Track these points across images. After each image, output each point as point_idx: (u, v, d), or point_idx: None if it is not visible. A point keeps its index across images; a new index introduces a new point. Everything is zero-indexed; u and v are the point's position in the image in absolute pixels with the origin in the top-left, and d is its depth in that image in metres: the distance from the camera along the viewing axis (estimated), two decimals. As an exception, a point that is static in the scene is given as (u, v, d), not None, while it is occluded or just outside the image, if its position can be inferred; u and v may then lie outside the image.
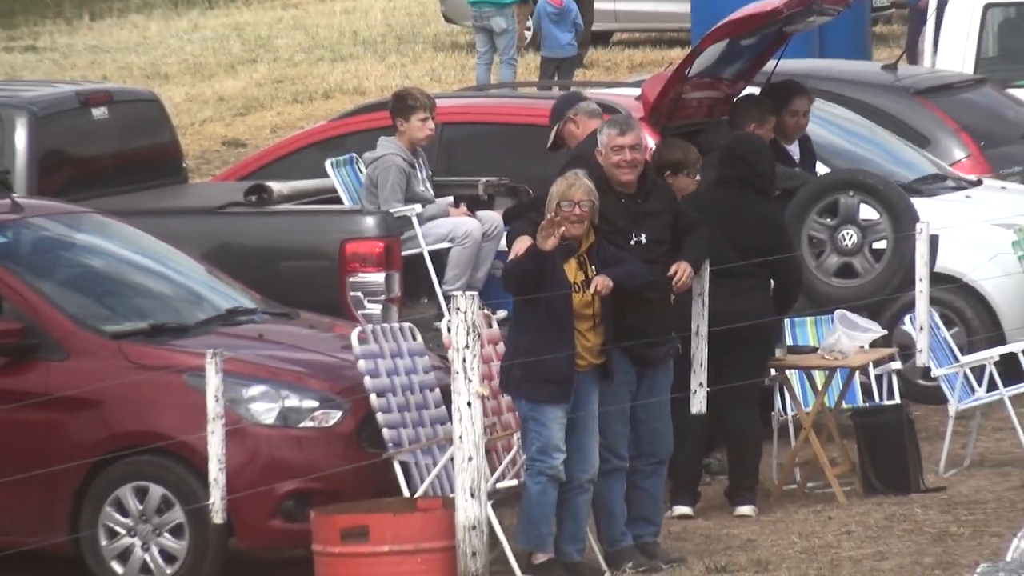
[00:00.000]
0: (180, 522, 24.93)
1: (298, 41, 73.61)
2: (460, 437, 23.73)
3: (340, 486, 25.29)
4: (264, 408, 25.42)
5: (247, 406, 25.40)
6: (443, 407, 25.60)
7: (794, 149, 35.53)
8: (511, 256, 26.23)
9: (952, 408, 32.05)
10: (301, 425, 25.61)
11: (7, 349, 25.60)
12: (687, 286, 27.54)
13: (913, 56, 55.51)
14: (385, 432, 25.10)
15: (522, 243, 25.89)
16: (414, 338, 26.65)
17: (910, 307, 32.87)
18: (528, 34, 51.84)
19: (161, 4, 71.31)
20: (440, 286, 29.01)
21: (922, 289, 31.38)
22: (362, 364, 25.36)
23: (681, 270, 26.89)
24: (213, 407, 23.62)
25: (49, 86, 41.23)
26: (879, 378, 33.06)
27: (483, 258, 29.45)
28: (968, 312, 36.68)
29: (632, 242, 26.48)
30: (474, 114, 38.23)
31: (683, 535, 28.03)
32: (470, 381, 23.47)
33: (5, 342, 25.68)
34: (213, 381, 23.60)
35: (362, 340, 25.90)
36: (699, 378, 27.80)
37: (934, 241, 32.08)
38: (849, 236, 33.46)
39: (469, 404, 23.48)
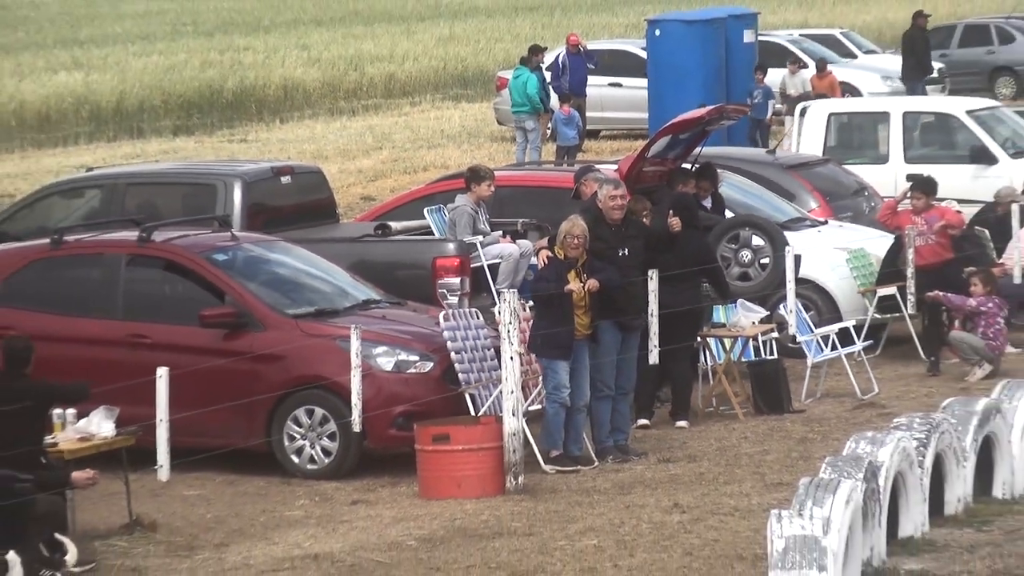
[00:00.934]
0: (333, 431, 31.80)
1: (407, 136, 76.12)
2: (506, 378, 30.10)
3: (432, 409, 31.85)
4: (385, 360, 31.70)
5: (375, 359, 31.67)
6: (496, 360, 31.56)
7: (707, 202, 40.86)
8: (539, 266, 33.51)
9: (809, 361, 38.70)
10: (408, 371, 32.37)
11: (227, 324, 32.41)
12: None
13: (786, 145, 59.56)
14: (460, 375, 32.30)
15: (542, 255, 33.44)
16: (477, 318, 33.00)
17: (784, 298, 39.88)
18: (548, 131, 56.49)
19: (323, 113, 76.59)
20: (493, 286, 34.04)
21: (791, 287, 39.69)
22: (446, 334, 32.48)
23: (652, 274, 33.23)
24: (354, 360, 30.03)
25: (254, 163, 48.02)
26: (765, 343, 38.70)
27: (520, 269, 34.22)
28: (819, 302, 41.88)
29: (619, 255, 32.63)
30: (515, 181, 42.59)
31: (643, 439, 33.66)
32: (512, 344, 29.77)
33: (226, 320, 32.44)
34: (354, 344, 30.08)
35: (445, 319, 33.03)
36: (653, 341, 34.17)
37: (798, 259, 39.72)
38: (746, 255, 40.02)
39: (512, 358, 30.17)
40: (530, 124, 57.46)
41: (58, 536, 24.51)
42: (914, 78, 68.10)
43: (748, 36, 63.33)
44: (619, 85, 58.88)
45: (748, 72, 61.91)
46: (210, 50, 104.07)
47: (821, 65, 61.61)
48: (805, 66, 67.48)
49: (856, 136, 45.26)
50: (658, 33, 60.24)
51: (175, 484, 28.29)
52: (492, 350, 31.19)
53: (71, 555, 24.33)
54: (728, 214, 38.65)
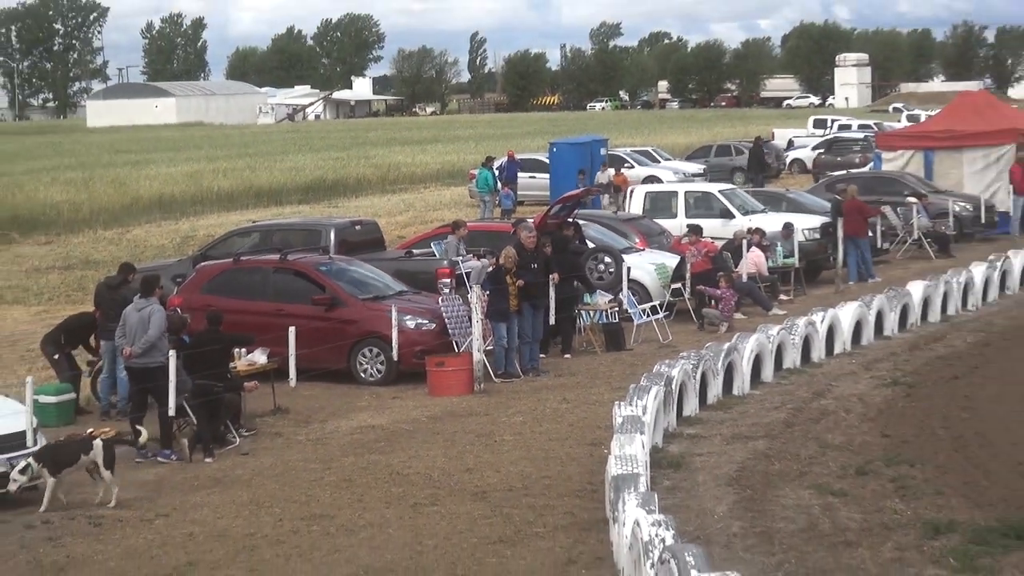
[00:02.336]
0: (383, 360, 30.21)
1: (422, 204, 74.39)
2: (474, 332, 29.59)
3: (435, 348, 30.63)
4: (410, 322, 30.71)
5: (404, 322, 30.26)
6: (468, 323, 30.20)
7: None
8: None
9: (635, 323, 35.19)
10: (422, 328, 31.01)
11: (326, 304, 30.93)
12: (556, 281, 32.27)
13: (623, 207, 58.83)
14: (449, 331, 30.75)
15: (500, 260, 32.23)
16: (459, 300, 31.62)
17: (621, 289, 35.66)
18: (497, 202, 56.69)
19: (377, 192, 75.85)
20: (468, 284, 32.36)
21: (625, 283, 35.84)
22: (442, 308, 31.20)
23: (555, 277, 32.03)
24: (393, 322, 29.61)
25: (341, 218, 43.90)
26: (611, 312, 34.87)
27: (481, 275, 32.99)
28: (640, 291, 36.86)
29: (532, 267, 31.63)
30: (479, 228, 41.00)
31: (545, 364, 31.53)
32: (477, 314, 29.37)
33: (326, 301, 30.91)
34: (394, 314, 29.76)
35: (442, 301, 31.66)
36: (551, 312, 32.31)
37: (629, 269, 36.34)
38: (601, 267, 37.38)
39: (477, 322, 29.42)
40: (487, 198, 59.67)
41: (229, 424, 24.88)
42: (756, 172, 67.19)
43: (603, 151, 63.21)
44: (534, 176, 60.34)
45: (594, 168, 59.02)
46: (317, 159, 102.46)
47: (617, 168, 61.96)
48: (631, 166, 68.04)
49: (660, 203, 45.01)
50: (555, 149, 62.03)
51: (299, 389, 28.53)
52: (467, 317, 30.48)
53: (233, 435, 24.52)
54: (591, 245, 37.08)
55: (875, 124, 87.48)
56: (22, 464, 19.84)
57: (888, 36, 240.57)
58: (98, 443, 20.17)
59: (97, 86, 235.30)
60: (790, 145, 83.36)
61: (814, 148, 79.63)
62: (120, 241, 50.78)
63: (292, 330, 28.86)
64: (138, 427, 22.80)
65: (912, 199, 47.81)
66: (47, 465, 19.63)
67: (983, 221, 49.71)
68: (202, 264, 34.46)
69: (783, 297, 36.63)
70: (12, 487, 19.75)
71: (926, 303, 34.18)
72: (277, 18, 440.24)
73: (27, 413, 21.30)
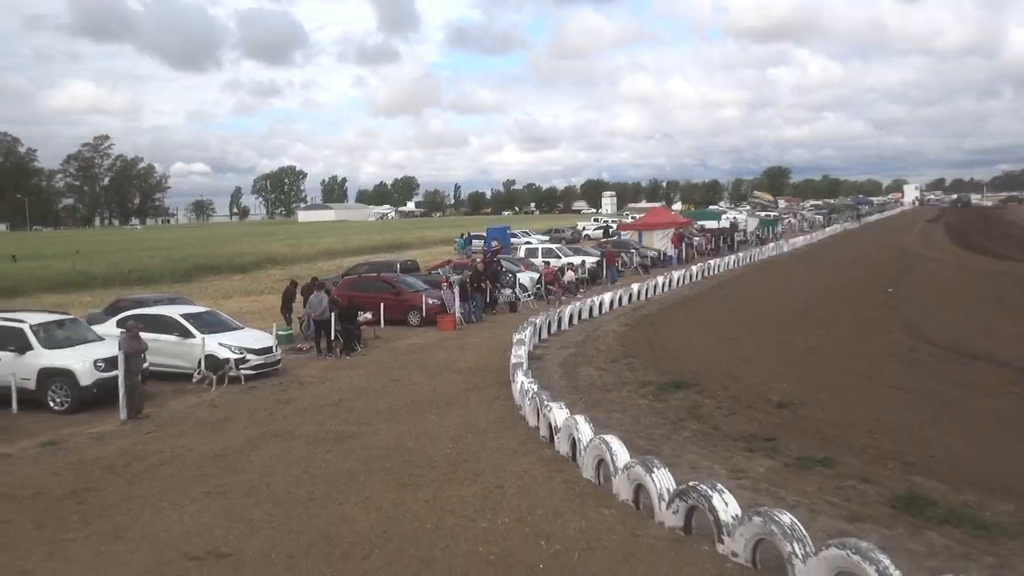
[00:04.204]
0: (419, 316, 27.65)
1: (437, 254, 70.70)
2: (456, 304, 27.37)
3: (442, 311, 27.34)
4: (430, 299, 27.82)
5: (426, 300, 27.78)
6: (454, 300, 27.30)
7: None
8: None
9: (522, 302, 32.18)
10: (434, 302, 27.66)
11: (395, 294, 28.48)
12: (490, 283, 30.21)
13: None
14: (446, 303, 27.68)
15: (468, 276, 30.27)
16: (451, 290, 27.64)
17: (518, 284, 33.37)
18: (466, 251, 53.30)
19: (418, 247, 70.38)
20: (455, 286, 28.64)
21: (517, 284, 33.46)
22: (444, 294, 28.07)
23: (488, 282, 29.97)
24: (423, 301, 27.78)
25: (401, 258, 39.59)
26: (519, 298, 32.39)
27: (460, 283, 28.09)
28: (524, 287, 33.71)
29: (482, 278, 29.66)
30: (458, 263, 37.93)
31: (486, 319, 29.31)
32: (455, 297, 27.43)
33: (395, 292, 28.53)
34: (424, 297, 28.00)
35: (444, 291, 28.21)
36: (488, 296, 30.16)
37: (518, 278, 34.10)
38: (508, 278, 32.97)
39: (454, 299, 27.37)
40: (461, 250, 55.32)
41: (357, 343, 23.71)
42: (570, 240, 66.16)
43: (508, 231, 58.56)
44: (483, 238, 55.69)
45: (506, 238, 52.74)
46: (387, 234, 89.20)
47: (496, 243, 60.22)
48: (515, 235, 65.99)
49: (530, 253, 44.01)
50: (488, 229, 57.48)
51: (385, 330, 26.73)
52: (453, 298, 27.82)
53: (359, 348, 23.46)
54: (504, 268, 33.60)
55: (617, 220, 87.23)
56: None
57: (621, 186, 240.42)
58: None
59: (302, 206, 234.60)
60: (583, 229, 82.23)
61: (592, 230, 79.89)
62: (311, 270, 49.29)
63: (382, 304, 27.53)
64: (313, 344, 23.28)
65: (633, 251, 47.24)
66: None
67: (661, 260, 48.52)
68: (346, 276, 33.01)
69: (583, 290, 35.71)
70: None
71: (640, 292, 33.33)
72: (382, 171, 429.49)
73: (273, 338, 21.02)
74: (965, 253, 50.28)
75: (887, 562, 6.50)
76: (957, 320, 24.56)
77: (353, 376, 19.68)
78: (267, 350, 20.16)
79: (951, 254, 50.06)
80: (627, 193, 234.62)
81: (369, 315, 26.34)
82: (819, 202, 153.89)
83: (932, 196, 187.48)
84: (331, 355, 22.73)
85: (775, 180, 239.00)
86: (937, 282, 35.45)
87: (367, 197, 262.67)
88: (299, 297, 27.20)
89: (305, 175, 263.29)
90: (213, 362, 19.08)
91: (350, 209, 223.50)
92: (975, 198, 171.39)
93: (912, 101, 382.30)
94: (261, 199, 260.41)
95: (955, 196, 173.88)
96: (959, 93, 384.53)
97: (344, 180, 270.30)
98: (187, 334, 19.53)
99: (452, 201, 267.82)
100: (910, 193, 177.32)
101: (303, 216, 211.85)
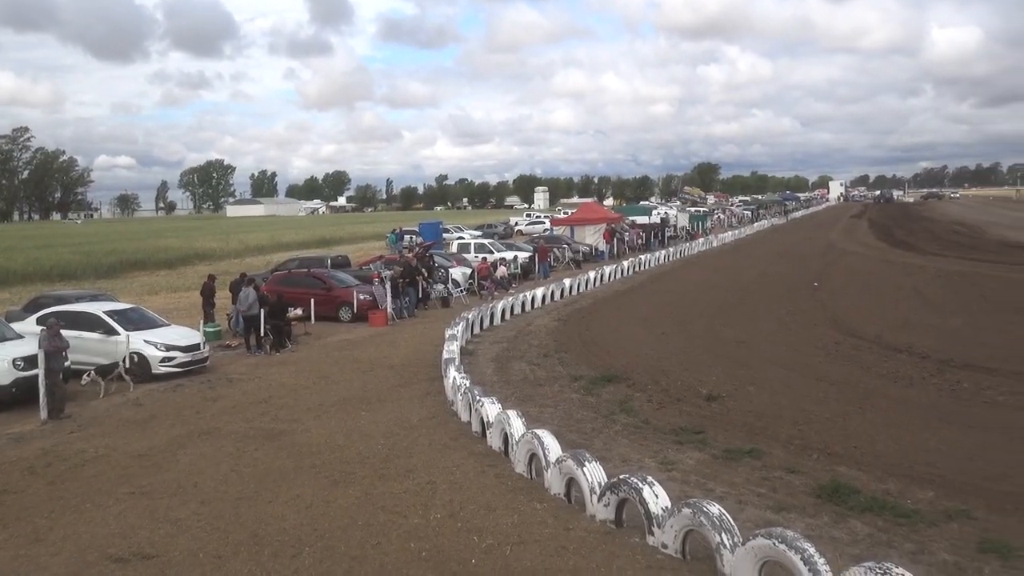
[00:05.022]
0: (350, 312, 27.46)
1: (370, 250, 70.00)
2: (388, 299, 27.33)
3: (371, 306, 27.05)
4: (362, 295, 27.57)
5: (357, 296, 27.57)
6: (386, 296, 27.19)
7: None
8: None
9: (454, 296, 31.82)
10: (366, 298, 27.31)
11: (326, 289, 27.98)
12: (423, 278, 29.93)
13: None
14: (377, 299, 27.48)
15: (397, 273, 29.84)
16: (383, 286, 27.42)
17: (450, 279, 32.84)
18: (397, 251, 52.64)
19: (349, 243, 68.54)
20: (387, 281, 27.66)
21: (449, 280, 32.95)
22: (375, 290, 27.66)
23: (420, 277, 29.67)
24: (354, 297, 27.55)
25: (333, 253, 41.04)
26: (450, 293, 31.93)
27: (391, 278, 28.10)
28: (460, 280, 33.36)
29: (416, 275, 29.43)
30: (389, 259, 37.42)
31: (418, 314, 29.20)
32: (387, 292, 27.33)
33: (325, 288, 28.15)
34: (355, 292, 27.70)
35: (375, 286, 27.72)
36: (420, 291, 30.10)
37: (450, 271, 33.82)
38: (441, 273, 32.67)
39: (386, 295, 27.31)
40: (392, 246, 55.00)
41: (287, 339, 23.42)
42: (503, 235, 65.80)
43: (441, 226, 57.54)
44: (414, 234, 54.52)
45: (438, 234, 51.90)
46: (320, 229, 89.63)
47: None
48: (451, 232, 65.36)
49: (463, 248, 43.68)
50: (420, 224, 56.74)
51: (315, 325, 26.41)
52: (384, 294, 27.76)
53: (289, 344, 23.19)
54: (438, 263, 33.14)
55: (551, 215, 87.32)
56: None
57: (554, 181, 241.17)
58: None
59: (230, 200, 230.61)
60: (515, 224, 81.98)
61: (525, 225, 79.95)
62: (240, 265, 48.19)
63: (312, 300, 27.26)
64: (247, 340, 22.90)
65: (566, 246, 47.39)
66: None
67: (593, 255, 48.85)
68: (276, 272, 32.22)
69: (515, 285, 35.68)
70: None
71: (572, 287, 33.50)
72: (312, 166, 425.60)
73: (200, 335, 20.60)
74: (888, 248, 51.24)
75: (812, 550, 6.64)
76: (880, 313, 25.07)
77: (283, 373, 19.45)
78: (194, 347, 19.81)
79: (874, 249, 50.97)
80: (560, 188, 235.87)
81: (299, 311, 26.16)
82: (747, 198, 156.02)
83: (856, 192, 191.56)
84: (260, 352, 22.46)
85: (705, 176, 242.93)
86: (861, 276, 36.13)
87: (297, 192, 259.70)
88: (223, 293, 26.82)
89: (234, 169, 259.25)
90: (139, 359, 18.75)
91: (280, 204, 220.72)
92: (897, 194, 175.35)
93: (838, 99, 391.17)
94: (188, 193, 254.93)
95: (878, 192, 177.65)
96: (883, 91, 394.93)
97: (274, 174, 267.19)
98: (111, 331, 19.14)
99: (384, 196, 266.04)
100: (835, 189, 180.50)
101: (232, 211, 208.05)
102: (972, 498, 9.60)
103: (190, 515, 9.79)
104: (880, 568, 6.03)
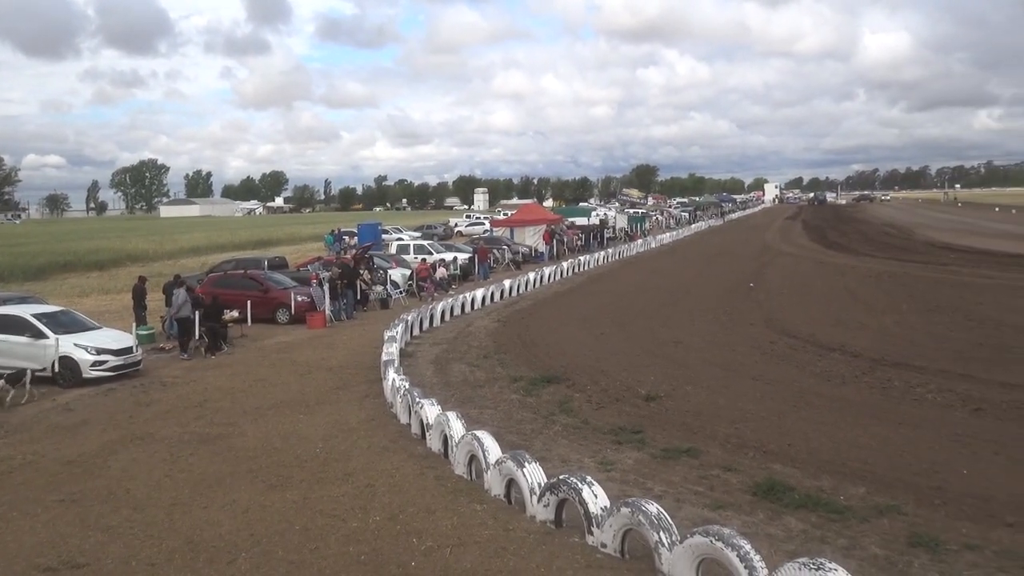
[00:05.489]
0: (288, 314, 27.10)
1: (306, 250, 69.29)
2: (326, 301, 27.02)
3: (309, 308, 26.94)
4: (300, 297, 27.23)
5: (294, 298, 27.24)
6: (324, 298, 26.91)
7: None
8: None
9: (394, 298, 31.73)
10: (303, 300, 27.12)
11: (263, 291, 27.68)
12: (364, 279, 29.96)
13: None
14: (315, 301, 27.14)
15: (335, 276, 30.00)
16: (320, 287, 27.17)
17: (388, 279, 32.83)
18: (335, 252, 52.77)
19: (287, 244, 68.03)
20: (325, 283, 27.87)
21: (388, 281, 33.03)
22: (312, 292, 27.44)
23: (360, 279, 29.81)
24: (292, 299, 27.24)
25: (271, 255, 40.56)
26: (389, 295, 31.76)
27: (330, 279, 28.10)
28: (399, 281, 33.36)
29: (354, 275, 29.25)
30: (327, 260, 36.72)
31: (356, 316, 29.15)
32: (326, 293, 27.12)
33: (262, 290, 27.84)
34: (293, 294, 27.41)
35: (312, 288, 27.59)
36: (358, 293, 30.10)
37: (389, 272, 33.71)
38: (380, 274, 32.51)
39: (325, 297, 27.08)
40: (330, 247, 54.28)
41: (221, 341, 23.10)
42: (444, 236, 65.99)
43: (380, 227, 57.68)
44: (353, 234, 53.94)
45: (377, 235, 51.32)
46: (256, 231, 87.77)
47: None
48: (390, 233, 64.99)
49: (402, 249, 43.41)
50: (359, 225, 56.81)
51: (252, 327, 26.21)
52: (323, 295, 27.53)
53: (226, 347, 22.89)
54: (377, 264, 33.35)
55: (490, 216, 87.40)
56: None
57: (493, 183, 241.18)
58: None
59: (164, 201, 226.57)
60: (455, 225, 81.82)
61: (465, 227, 79.93)
62: (174, 267, 47.30)
63: (249, 302, 26.97)
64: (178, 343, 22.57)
65: (505, 247, 47.47)
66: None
67: (533, 256, 48.88)
68: (211, 273, 31.81)
69: (455, 286, 35.63)
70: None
71: (512, 288, 33.51)
72: (249, 166, 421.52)
73: (133, 338, 20.44)
74: (821, 249, 52.03)
75: (748, 547, 6.73)
76: (814, 313, 25.50)
77: (219, 376, 19.26)
78: (127, 350, 19.51)
79: (808, 250, 51.76)
80: (499, 190, 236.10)
81: (236, 313, 25.80)
82: (685, 199, 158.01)
83: (791, 194, 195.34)
84: (195, 355, 22.16)
85: (644, 178, 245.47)
86: (795, 276, 36.70)
87: (234, 192, 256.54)
88: (156, 295, 26.46)
89: (168, 169, 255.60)
90: (69, 363, 18.45)
91: (216, 204, 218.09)
92: (830, 196, 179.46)
93: (773, 102, 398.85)
94: (120, 194, 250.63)
95: (812, 194, 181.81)
96: (817, 95, 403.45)
97: (209, 174, 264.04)
98: (39, 335, 18.78)
99: (322, 197, 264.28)
100: (770, 191, 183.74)
101: (165, 211, 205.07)
102: (902, 493, 9.78)
103: (122, 522, 9.59)
104: (814, 564, 6.10)
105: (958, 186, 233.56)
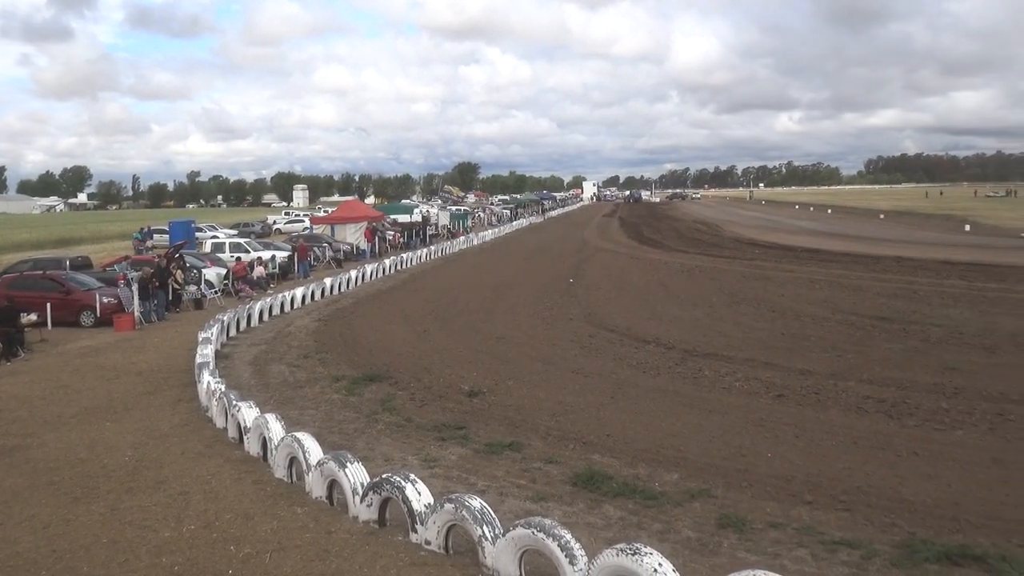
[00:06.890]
0: (93, 317, 25.73)
1: (110, 248, 65.92)
2: (134, 302, 26.24)
3: (117, 310, 25.62)
4: (105, 299, 25.92)
5: (100, 299, 25.81)
6: (132, 299, 26.03)
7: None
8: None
9: (208, 298, 30.89)
10: (110, 301, 26.05)
11: (63, 292, 26.23)
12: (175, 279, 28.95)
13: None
14: (123, 302, 26.18)
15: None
16: (130, 288, 26.33)
17: (202, 279, 31.89)
18: (141, 248, 51.15)
19: (90, 243, 64.15)
20: (134, 283, 26.78)
21: (202, 280, 31.96)
22: (120, 292, 26.45)
23: (173, 279, 29.99)
24: (98, 300, 25.80)
25: (74, 255, 38.27)
26: (198, 292, 30.78)
27: (140, 278, 26.59)
28: (214, 281, 31.85)
29: (165, 276, 27.97)
30: (136, 260, 36.74)
31: (168, 317, 29.09)
32: (135, 294, 25.85)
33: (61, 290, 26.39)
34: (97, 295, 25.89)
35: (120, 289, 26.75)
36: (167, 294, 30.79)
37: (204, 274, 32.71)
38: (194, 274, 31.86)
39: (134, 297, 25.91)
40: (140, 245, 51.41)
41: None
42: (261, 235, 64.01)
43: (192, 225, 54.63)
44: (163, 232, 51.01)
45: (190, 233, 48.76)
46: (66, 227, 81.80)
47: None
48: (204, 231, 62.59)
49: (217, 247, 42.50)
50: (171, 223, 53.37)
51: (53, 331, 24.66)
52: (131, 296, 26.33)
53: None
54: (190, 264, 32.11)
55: (310, 213, 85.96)
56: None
57: (314, 179, 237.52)
58: None
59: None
60: (274, 223, 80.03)
61: (284, 224, 78.32)
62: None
63: (48, 305, 25.41)
64: None
65: (326, 244, 46.92)
66: None
67: (355, 254, 48.56)
68: (5, 275, 29.91)
69: (273, 285, 34.90)
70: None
71: (333, 287, 33.15)
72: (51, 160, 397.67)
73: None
74: (637, 245, 53.73)
75: (568, 537, 6.93)
76: (630, 307, 26.27)
77: (15, 383, 18.14)
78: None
79: (625, 246, 53.30)
80: (320, 186, 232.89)
81: (34, 316, 24.35)
82: (507, 197, 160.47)
83: (608, 192, 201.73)
84: (-12, 362, 20.97)
85: (465, 175, 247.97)
86: (613, 272, 37.77)
87: (31, 188, 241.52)
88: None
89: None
90: None
91: (10, 201, 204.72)
92: (645, 194, 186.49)
93: (591, 103, 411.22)
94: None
95: (628, 192, 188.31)
96: (633, 96, 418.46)
97: (3, 169, 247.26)
98: None
99: (131, 193, 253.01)
100: (589, 189, 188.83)
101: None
102: (712, 477, 10.29)
103: (-98, 546, 9.09)
104: (630, 549, 6.32)
105: (762, 185, 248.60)
